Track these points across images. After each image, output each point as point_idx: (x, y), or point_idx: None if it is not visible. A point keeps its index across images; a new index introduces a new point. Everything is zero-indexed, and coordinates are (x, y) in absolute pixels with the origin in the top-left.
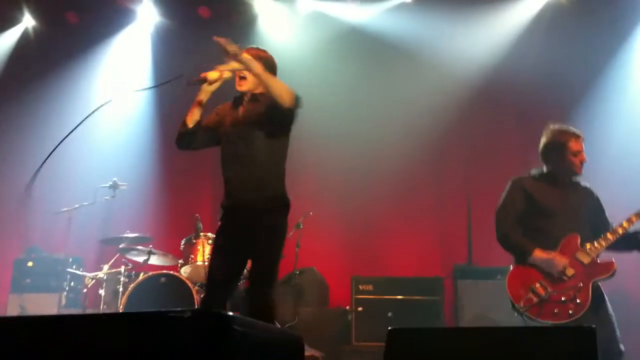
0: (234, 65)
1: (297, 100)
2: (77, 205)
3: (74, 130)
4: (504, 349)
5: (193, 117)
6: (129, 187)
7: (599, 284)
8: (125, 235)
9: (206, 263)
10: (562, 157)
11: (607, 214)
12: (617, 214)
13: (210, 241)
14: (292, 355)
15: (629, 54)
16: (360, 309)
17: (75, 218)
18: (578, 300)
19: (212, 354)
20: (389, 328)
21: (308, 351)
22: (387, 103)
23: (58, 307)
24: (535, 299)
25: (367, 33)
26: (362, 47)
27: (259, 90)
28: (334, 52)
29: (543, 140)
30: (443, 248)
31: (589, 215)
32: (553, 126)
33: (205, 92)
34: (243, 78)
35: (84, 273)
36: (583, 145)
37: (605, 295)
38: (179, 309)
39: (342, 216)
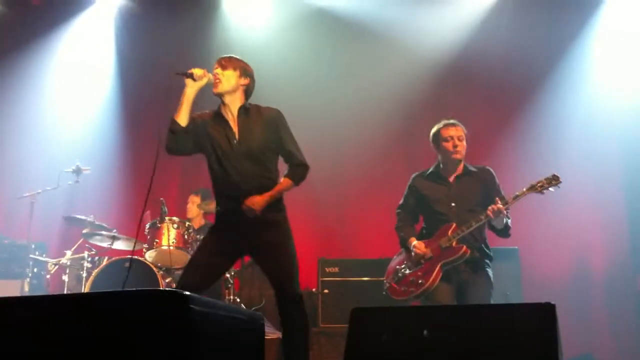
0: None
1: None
2: (39, 190)
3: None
4: (466, 326)
5: (184, 115)
6: (93, 172)
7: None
8: (89, 219)
9: (171, 247)
10: (438, 144)
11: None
12: (575, 192)
13: (175, 225)
14: (252, 332)
15: (590, 35)
16: (326, 291)
17: (38, 203)
18: (420, 281)
19: (171, 332)
20: (352, 308)
21: (274, 333)
22: (356, 84)
23: (21, 293)
24: (396, 278)
25: (334, 14)
26: (328, 28)
27: (232, 91)
28: (299, 34)
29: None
30: None
31: (480, 200)
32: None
33: (191, 88)
34: (218, 80)
35: (47, 259)
36: (458, 132)
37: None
38: (138, 289)
39: (310, 199)
